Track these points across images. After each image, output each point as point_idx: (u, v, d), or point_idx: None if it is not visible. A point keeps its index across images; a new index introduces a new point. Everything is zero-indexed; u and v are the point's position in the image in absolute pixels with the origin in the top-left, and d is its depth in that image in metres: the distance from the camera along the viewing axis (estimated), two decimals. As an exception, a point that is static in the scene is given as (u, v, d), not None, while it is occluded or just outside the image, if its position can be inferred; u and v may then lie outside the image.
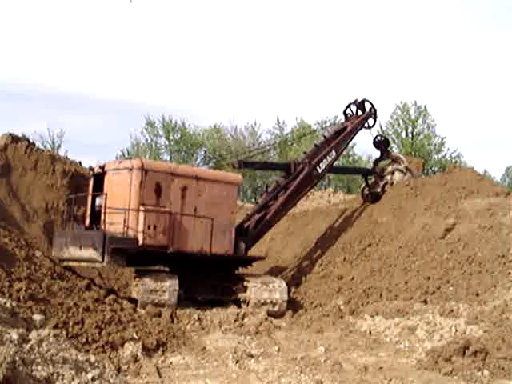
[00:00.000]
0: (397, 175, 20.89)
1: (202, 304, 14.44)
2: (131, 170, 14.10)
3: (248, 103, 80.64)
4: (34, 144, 19.73)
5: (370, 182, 21.47)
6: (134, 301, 13.66)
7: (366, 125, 20.74)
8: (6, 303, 7.41)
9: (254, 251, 17.22)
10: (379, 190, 20.79)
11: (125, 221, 13.64)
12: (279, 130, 47.71)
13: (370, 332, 12.27)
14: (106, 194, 14.25)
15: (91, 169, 15.82)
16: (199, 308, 14.04)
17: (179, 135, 48.65)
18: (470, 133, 79.31)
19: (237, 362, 9.91)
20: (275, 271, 19.52)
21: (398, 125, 45.06)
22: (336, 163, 20.68)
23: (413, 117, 45.05)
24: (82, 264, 14.26)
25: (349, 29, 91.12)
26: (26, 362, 5.58)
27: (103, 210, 14.21)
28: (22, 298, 10.20)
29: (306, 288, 16.96)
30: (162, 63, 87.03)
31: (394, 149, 41.14)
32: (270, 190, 18.09)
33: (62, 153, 38.04)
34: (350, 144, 42.81)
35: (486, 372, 8.79)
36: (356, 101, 20.76)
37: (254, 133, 48.70)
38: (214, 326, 13.05)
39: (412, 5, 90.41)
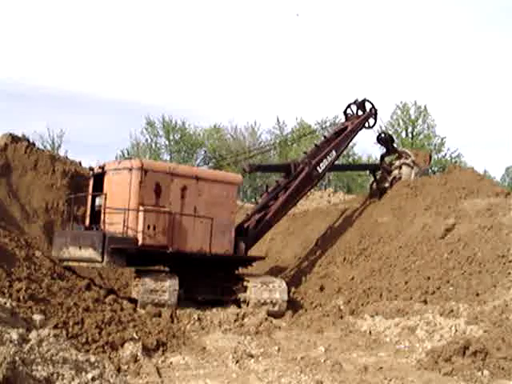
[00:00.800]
0: (404, 169, 21.05)
1: (201, 304, 14.43)
2: (131, 170, 14.09)
3: (248, 103, 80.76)
4: (34, 144, 19.73)
5: (378, 177, 21.57)
6: (134, 301, 13.65)
7: (366, 125, 20.77)
8: (6, 303, 7.41)
9: (254, 251, 17.22)
10: (387, 184, 20.93)
11: (124, 221, 13.63)
12: (279, 130, 47.77)
13: (370, 332, 12.27)
14: (106, 194, 14.25)
15: (91, 169, 15.82)
16: (199, 308, 14.03)
17: (179, 135, 48.69)
18: (470, 133, 79.41)
19: (237, 362, 9.91)
20: (275, 271, 19.52)
21: (398, 125, 45.10)
22: (338, 163, 20.71)
23: (413, 117, 45.09)
24: (82, 264, 14.25)
25: (349, 29, 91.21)
26: (25, 362, 5.58)
27: (103, 210, 14.21)
28: (21, 297, 10.19)
29: (306, 288, 16.96)
30: (161, 63, 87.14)
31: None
32: (270, 189, 18.05)
33: (61, 153, 38.12)
34: (350, 144, 43.00)
35: (486, 372, 8.79)
36: (356, 101, 20.76)
37: (254, 133, 48.74)
38: (214, 326, 13.05)
39: (412, 5, 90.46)
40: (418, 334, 11.34)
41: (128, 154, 46.82)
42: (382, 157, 22.31)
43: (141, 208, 13.85)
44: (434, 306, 12.58)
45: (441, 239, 15.73)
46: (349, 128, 19.96)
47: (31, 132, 44.12)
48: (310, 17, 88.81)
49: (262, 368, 9.53)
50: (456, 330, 10.95)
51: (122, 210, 13.71)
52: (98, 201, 14.91)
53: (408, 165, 21.09)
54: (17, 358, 5.36)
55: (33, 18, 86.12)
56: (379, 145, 22.30)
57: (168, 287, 13.61)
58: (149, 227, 13.85)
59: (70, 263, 14.38)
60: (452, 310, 11.95)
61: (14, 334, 6.04)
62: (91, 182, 15.44)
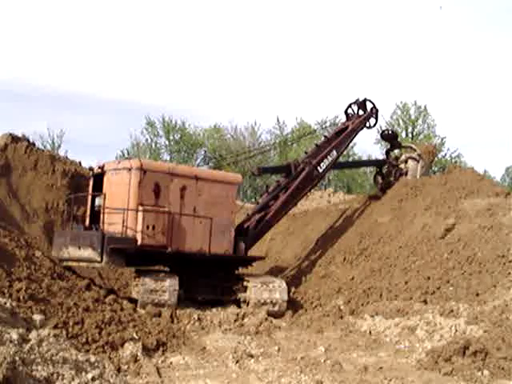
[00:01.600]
0: (410, 163, 21.21)
1: (201, 304, 14.43)
2: (130, 170, 14.08)
3: (248, 103, 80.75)
4: (34, 144, 19.74)
5: (384, 171, 21.68)
6: (134, 301, 13.65)
7: (367, 124, 20.79)
8: (6, 303, 7.41)
9: (254, 251, 17.21)
10: (392, 178, 21.01)
11: (124, 221, 13.63)
12: (279, 130, 47.75)
13: (370, 332, 12.27)
14: (105, 194, 14.24)
15: (91, 169, 15.80)
16: (199, 308, 14.03)
17: (179, 135, 48.66)
18: (470, 133, 79.32)
19: (237, 362, 9.91)
20: (275, 271, 19.52)
21: (398, 125, 45.09)
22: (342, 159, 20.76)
23: (413, 117, 45.11)
24: (81, 264, 14.25)
25: (349, 29, 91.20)
26: (25, 361, 5.58)
27: (102, 210, 14.20)
28: (21, 298, 10.19)
29: (306, 288, 16.96)
30: (161, 63, 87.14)
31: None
32: (270, 189, 18.04)
33: (61, 153, 38.04)
34: (351, 144, 43.02)
35: (486, 372, 8.79)
36: (357, 100, 20.77)
37: (254, 133, 48.71)
38: (213, 326, 13.05)
39: (412, 5, 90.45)
40: (418, 333, 11.34)
41: (128, 154, 46.80)
42: (388, 152, 22.38)
43: (140, 208, 13.84)
44: (434, 305, 12.57)
45: (441, 239, 15.73)
46: (350, 128, 19.93)
47: (31, 132, 44.23)
48: (310, 17, 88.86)
49: (262, 368, 9.53)
50: (456, 330, 10.94)
51: (121, 210, 13.71)
52: (97, 201, 14.91)
53: (414, 159, 21.24)
54: (17, 358, 5.37)
55: (33, 18, 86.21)
56: (384, 141, 22.37)
57: (168, 287, 13.60)
58: (148, 227, 13.84)
59: (70, 263, 14.38)
60: (452, 310, 11.95)
61: (14, 334, 6.04)
62: (91, 182, 15.44)
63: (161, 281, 13.63)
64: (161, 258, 14.84)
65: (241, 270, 16.53)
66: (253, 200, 35.39)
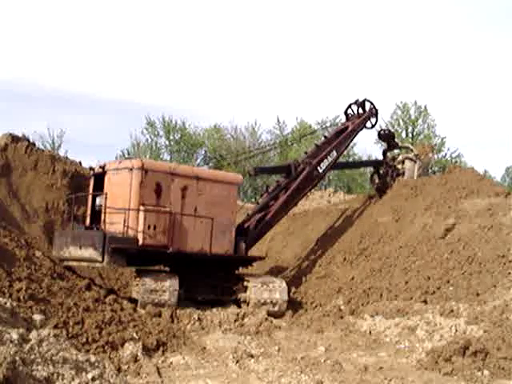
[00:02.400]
0: (407, 164, 21.18)
1: (202, 304, 14.42)
2: (131, 169, 14.06)
3: (248, 103, 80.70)
4: (34, 144, 19.71)
5: (381, 172, 21.68)
6: (134, 301, 13.65)
7: (367, 125, 20.83)
8: (6, 303, 7.40)
9: (254, 251, 17.22)
10: (389, 179, 21.02)
11: (125, 221, 13.62)
12: (279, 130, 47.71)
13: (370, 332, 12.28)
14: (107, 194, 14.23)
15: (91, 168, 15.78)
16: (199, 308, 14.02)
17: (179, 135, 48.63)
18: (470, 133, 79.28)
19: (237, 361, 9.91)
20: (275, 271, 19.52)
21: (398, 125, 45.07)
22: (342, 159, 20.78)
23: (413, 117, 45.07)
24: (82, 264, 14.26)
25: (349, 29, 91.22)
26: (26, 361, 5.58)
27: (103, 210, 14.18)
28: (22, 297, 10.19)
29: (306, 288, 16.96)
30: (161, 63, 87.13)
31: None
32: (270, 189, 18.06)
33: (62, 153, 38.02)
34: (351, 144, 43.00)
35: (486, 372, 8.79)
36: (357, 101, 20.81)
37: (255, 133, 48.66)
38: (214, 325, 13.05)
39: (412, 5, 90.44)
40: (418, 333, 11.34)
41: (128, 154, 46.73)
42: (385, 152, 22.40)
43: (141, 208, 13.83)
44: (434, 305, 12.58)
45: (441, 239, 15.74)
46: (349, 128, 19.96)
47: (31, 132, 44.11)
48: (310, 17, 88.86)
49: (262, 368, 9.53)
50: (456, 330, 10.94)
51: (122, 209, 13.70)
52: (98, 200, 14.86)
53: (411, 159, 21.22)
54: (17, 358, 5.36)
55: (33, 18, 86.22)
56: (381, 141, 22.36)
57: (168, 287, 13.60)
58: (149, 227, 13.83)
59: (71, 263, 14.39)
60: (452, 310, 11.95)
61: (14, 334, 6.04)
62: (91, 182, 15.44)
63: (161, 281, 13.63)
64: (162, 258, 14.84)
65: (241, 270, 16.54)
66: (253, 200, 35.36)
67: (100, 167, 15.08)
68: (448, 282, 13.69)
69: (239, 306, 14.85)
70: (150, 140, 49.16)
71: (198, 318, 13.21)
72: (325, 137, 19.92)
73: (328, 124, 38.75)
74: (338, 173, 43.90)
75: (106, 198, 14.16)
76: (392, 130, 22.66)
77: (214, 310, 14.10)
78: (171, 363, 9.76)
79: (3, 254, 12.04)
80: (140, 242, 13.75)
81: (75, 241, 14.05)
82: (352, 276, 16.35)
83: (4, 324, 6.44)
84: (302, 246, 20.90)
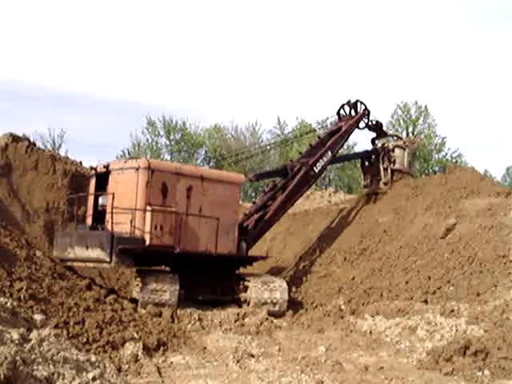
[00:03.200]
0: (397, 152, 21.46)
1: (202, 304, 14.43)
2: (137, 169, 13.92)
3: (249, 103, 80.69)
4: (34, 144, 19.71)
5: (372, 161, 21.90)
6: (134, 301, 13.65)
7: (360, 125, 21.27)
8: (6, 303, 7.40)
9: (254, 251, 17.23)
10: (380, 165, 21.26)
11: (131, 221, 13.49)
12: (280, 130, 47.70)
13: (371, 332, 12.28)
14: (113, 194, 13.81)
15: (92, 168, 15.68)
16: (200, 308, 14.02)
17: (180, 135, 48.63)
18: (471, 133, 79.30)
19: (237, 361, 9.91)
20: (276, 271, 19.52)
21: (399, 124, 45.08)
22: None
23: (413, 117, 45.08)
24: (89, 264, 14.06)
25: (348, 29, 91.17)
26: (26, 361, 5.57)
27: (110, 210, 13.79)
28: (22, 297, 10.19)
29: (307, 288, 16.96)
30: (162, 63, 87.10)
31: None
32: (267, 189, 18.19)
33: (62, 153, 37.95)
34: (351, 144, 43.07)
35: (486, 372, 8.79)
36: (349, 101, 21.12)
37: (255, 133, 48.71)
38: (214, 325, 13.06)
39: (412, 5, 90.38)
40: (419, 333, 11.34)
41: (129, 153, 46.70)
42: (373, 140, 22.53)
43: (148, 208, 13.70)
44: (435, 305, 12.58)
45: (441, 239, 15.74)
46: (343, 129, 20.32)
47: (32, 132, 44.11)
48: (310, 17, 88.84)
49: (263, 368, 9.53)
50: (457, 330, 10.94)
51: (128, 209, 13.57)
52: (101, 200, 14.67)
53: (400, 147, 21.55)
54: (17, 358, 5.36)
55: (33, 18, 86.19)
56: (370, 131, 22.50)
57: (169, 287, 13.58)
58: (156, 227, 13.71)
59: (75, 264, 14.24)
60: (453, 310, 11.95)
61: (14, 334, 6.04)
62: (93, 182, 15.30)
63: (161, 281, 13.60)
64: (168, 259, 14.74)
65: (241, 270, 16.54)
66: (253, 200, 35.35)
67: (104, 167, 14.90)
68: (448, 281, 13.69)
69: (240, 306, 14.85)
70: (150, 140, 49.18)
71: (199, 318, 13.22)
72: (319, 137, 20.08)
73: (328, 124, 38.78)
74: (338, 173, 43.94)
75: (113, 197, 13.70)
76: (378, 120, 22.96)
77: (215, 309, 14.10)
78: (172, 363, 9.76)
79: (4, 253, 12.04)
80: (147, 243, 13.61)
81: (81, 241, 13.87)
82: (352, 276, 16.36)
83: (4, 324, 6.44)
84: (302, 245, 20.91)
